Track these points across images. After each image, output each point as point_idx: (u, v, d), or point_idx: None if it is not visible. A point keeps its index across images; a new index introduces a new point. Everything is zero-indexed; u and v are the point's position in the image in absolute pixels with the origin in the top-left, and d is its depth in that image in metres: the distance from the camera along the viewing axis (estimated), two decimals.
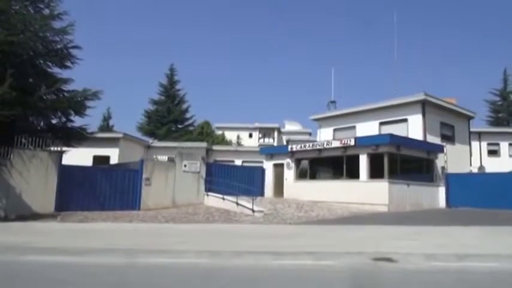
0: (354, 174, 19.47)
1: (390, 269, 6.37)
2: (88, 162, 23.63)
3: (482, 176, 22.94)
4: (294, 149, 22.64)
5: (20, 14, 16.27)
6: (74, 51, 17.53)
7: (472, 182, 20.46)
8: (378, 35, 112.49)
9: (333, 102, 30.14)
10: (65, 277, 5.85)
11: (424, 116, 21.71)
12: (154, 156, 23.16)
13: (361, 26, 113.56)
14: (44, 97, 16.24)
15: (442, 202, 20.71)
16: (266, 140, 52.46)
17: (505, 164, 27.53)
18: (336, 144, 20.47)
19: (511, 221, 14.15)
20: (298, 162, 22.85)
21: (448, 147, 22.06)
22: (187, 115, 46.21)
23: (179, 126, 45.27)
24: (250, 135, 53.00)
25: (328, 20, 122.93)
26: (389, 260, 6.83)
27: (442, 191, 20.88)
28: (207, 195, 19.36)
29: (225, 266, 6.63)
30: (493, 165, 27.81)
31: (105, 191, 16.82)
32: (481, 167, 28.16)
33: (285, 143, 40.15)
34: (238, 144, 45.09)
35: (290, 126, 55.70)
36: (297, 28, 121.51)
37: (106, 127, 45.08)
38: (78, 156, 19.38)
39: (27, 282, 5.57)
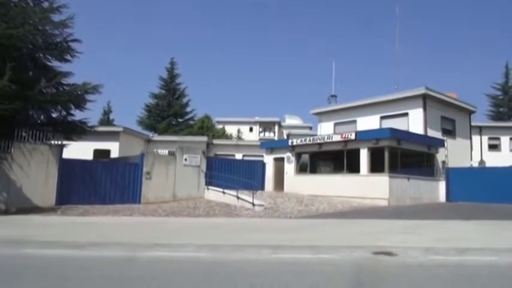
0: (354, 168, 19.46)
1: (390, 263, 6.39)
2: (88, 156, 23.62)
3: (482, 170, 22.93)
4: (295, 143, 22.62)
5: (19, 7, 16.17)
6: (73, 45, 17.43)
7: (473, 176, 20.45)
8: (379, 29, 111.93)
9: (334, 96, 30.08)
10: (65, 270, 5.87)
11: (425, 110, 21.65)
12: (155, 150, 23.14)
13: (362, 20, 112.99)
14: (44, 91, 16.18)
15: (442, 196, 20.73)
16: (266, 134, 52.43)
17: (505, 159, 27.49)
18: (336, 138, 20.45)
19: (510, 215, 14.16)
20: (298, 156, 22.84)
21: (448, 142, 22.03)
22: (188, 109, 46.14)
23: (179, 120, 45.21)
24: (251, 129, 52.95)
25: (329, 14, 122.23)
26: (389, 253, 6.85)
27: (442, 185, 20.89)
28: (208, 189, 19.38)
29: (225, 259, 6.65)
30: (493, 160, 27.76)
31: (105, 184, 16.84)
32: (482, 162, 28.12)
33: (285, 137, 40.17)
34: (239, 138, 45.08)
35: (290, 120, 55.65)
36: (297, 22, 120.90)
37: (106, 121, 45.05)
38: (79, 150, 19.37)
39: (28, 275, 5.59)
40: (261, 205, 15.94)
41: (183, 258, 6.66)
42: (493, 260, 6.60)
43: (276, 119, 53.03)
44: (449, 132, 23.23)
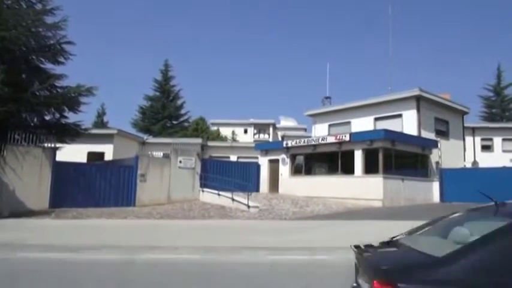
0: (348, 169, 19.54)
1: None
2: (82, 158, 23.49)
3: (475, 171, 23.11)
4: (289, 145, 22.66)
5: (12, 9, 16.08)
6: (67, 47, 17.39)
7: (466, 177, 20.59)
8: (372, 30, 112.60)
9: (328, 98, 30.21)
10: (60, 274, 5.83)
11: (418, 111, 21.79)
12: (149, 153, 23.05)
13: (356, 21, 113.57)
14: (37, 93, 16.09)
15: (436, 197, 20.86)
16: (261, 135, 52.37)
17: (498, 159, 27.74)
18: (331, 139, 20.52)
19: None
20: (293, 157, 22.88)
21: (442, 143, 22.19)
22: (182, 111, 46.10)
23: (174, 122, 45.13)
24: (246, 131, 52.88)
25: (323, 15, 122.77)
26: None
27: (436, 186, 21.02)
28: (203, 191, 19.33)
29: (220, 261, 6.64)
30: (486, 160, 28.00)
31: (99, 187, 16.73)
32: (475, 162, 28.35)
33: (280, 138, 40.19)
34: (234, 140, 45.06)
35: (285, 122, 55.67)
36: (292, 24, 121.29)
37: (100, 123, 44.84)
38: (72, 153, 19.25)
39: (22, 279, 5.54)
40: (256, 207, 15.94)
41: (178, 261, 6.64)
42: None
43: (271, 121, 53.05)
44: (443, 133, 23.40)
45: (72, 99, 17.11)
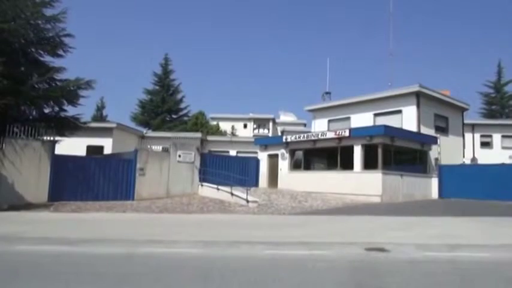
0: (348, 165, 19.53)
1: (382, 259, 6.43)
2: (81, 152, 23.48)
3: (474, 167, 23.13)
4: (289, 140, 22.63)
5: (11, 1, 15.99)
6: (66, 40, 17.33)
7: (465, 173, 20.62)
8: (373, 27, 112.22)
9: (328, 93, 30.11)
10: (59, 267, 5.84)
11: (418, 107, 21.77)
12: (149, 146, 23.04)
13: (356, 17, 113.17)
14: (36, 86, 16.06)
15: (434, 193, 20.89)
16: (261, 130, 52.32)
17: (497, 156, 27.76)
18: (330, 135, 20.50)
19: (501, 212, 14.32)
20: (292, 153, 22.88)
21: (441, 139, 22.18)
22: (182, 105, 46.04)
23: (173, 116, 45.08)
24: (245, 126, 52.82)
25: (323, 10, 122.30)
26: (381, 250, 6.90)
27: (435, 182, 21.04)
28: (202, 185, 19.35)
29: (219, 256, 6.65)
30: (485, 157, 28.05)
31: (98, 181, 16.73)
32: (474, 159, 28.39)
33: (279, 133, 40.14)
34: (233, 134, 45.02)
35: (285, 117, 55.59)
36: (292, 18, 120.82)
37: (99, 117, 44.77)
38: (72, 146, 19.24)
39: (21, 272, 5.55)
40: (255, 201, 15.96)
41: (177, 255, 6.66)
42: (485, 257, 6.68)
43: (271, 116, 52.98)
44: (442, 130, 23.39)
45: (71, 92, 17.07)
